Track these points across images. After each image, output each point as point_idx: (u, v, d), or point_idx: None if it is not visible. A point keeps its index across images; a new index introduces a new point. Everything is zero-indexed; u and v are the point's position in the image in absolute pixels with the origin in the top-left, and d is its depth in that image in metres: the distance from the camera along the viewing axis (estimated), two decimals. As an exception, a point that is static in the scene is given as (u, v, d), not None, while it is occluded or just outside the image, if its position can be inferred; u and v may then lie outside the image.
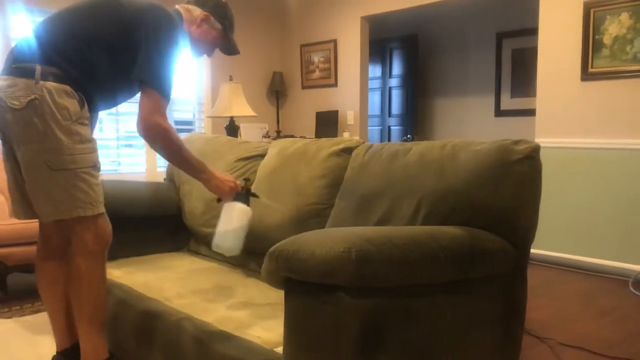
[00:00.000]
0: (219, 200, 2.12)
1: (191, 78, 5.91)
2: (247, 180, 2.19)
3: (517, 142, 1.67)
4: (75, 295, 1.93)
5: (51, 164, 1.77)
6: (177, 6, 2.13)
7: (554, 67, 4.22)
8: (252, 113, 4.86)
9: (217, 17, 2.17)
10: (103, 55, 1.87)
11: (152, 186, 2.86)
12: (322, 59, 6.14)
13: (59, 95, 1.78)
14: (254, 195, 2.18)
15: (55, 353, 2.09)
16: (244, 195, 2.12)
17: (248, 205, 2.11)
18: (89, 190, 1.83)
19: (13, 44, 1.92)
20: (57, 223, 1.92)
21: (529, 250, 1.71)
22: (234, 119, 4.85)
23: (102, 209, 1.89)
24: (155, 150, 1.94)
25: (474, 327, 1.56)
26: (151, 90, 1.86)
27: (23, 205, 1.95)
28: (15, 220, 3.27)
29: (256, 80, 6.36)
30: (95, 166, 1.87)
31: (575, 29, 4.08)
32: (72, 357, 2.04)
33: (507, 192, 1.61)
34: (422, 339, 1.41)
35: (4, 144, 1.91)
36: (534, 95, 4.42)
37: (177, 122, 5.87)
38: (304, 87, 6.39)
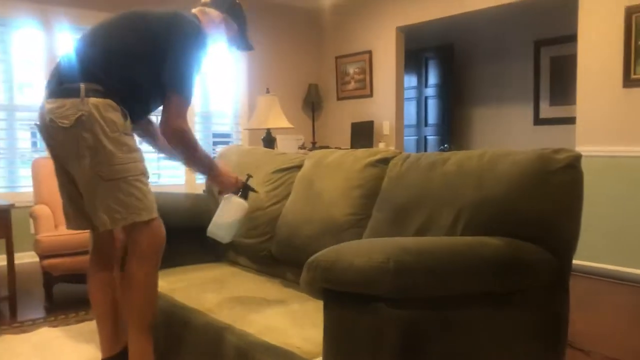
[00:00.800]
0: (220, 192, 2.24)
1: (228, 91, 6.00)
2: (249, 176, 2.29)
3: (557, 151, 1.64)
4: (127, 298, 1.99)
5: (104, 175, 1.87)
6: (193, 10, 2.21)
7: (595, 74, 4.13)
8: (289, 125, 4.90)
9: (233, 17, 2.27)
10: (137, 66, 1.97)
11: (191, 197, 2.91)
12: (357, 70, 6.16)
13: (105, 109, 1.87)
14: (253, 190, 2.27)
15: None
16: (244, 190, 2.23)
17: (246, 199, 2.21)
18: (142, 197, 1.93)
19: (55, 64, 2.01)
20: (111, 232, 2.01)
21: (571, 261, 1.68)
22: (271, 130, 4.90)
23: (156, 214, 1.98)
24: (175, 149, 2.05)
25: (515, 340, 1.54)
26: (176, 94, 1.96)
27: (77, 219, 2.06)
28: (60, 232, 3.37)
29: (292, 92, 6.42)
30: (144, 174, 1.98)
31: (616, 34, 3.99)
32: None
33: (548, 202, 1.59)
34: (462, 352, 1.39)
35: (55, 164, 2.03)
36: (574, 103, 4.34)
37: (214, 135, 5.97)
38: (339, 99, 6.42)
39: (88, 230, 2.12)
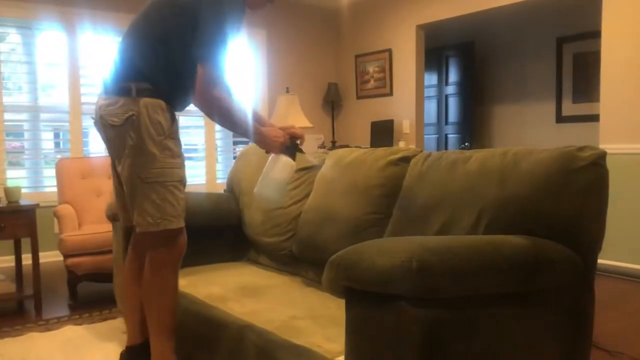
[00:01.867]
0: (267, 152, 2.18)
1: (248, 91, 6.03)
2: (296, 141, 2.20)
3: (581, 149, 1.62)
4: (147, 300, 2.02)
5: (143, 177, 1.89)
6: None
7: (619, 71, 4.06)
8: (309, 124, 4.91)
9: None
10: (177, 48, 1.94)
11: (212, 197, 2.93)
12: (377, 69, 6.14)
13: (154, 110, 1.90)
14: (300, 151, 2.21)
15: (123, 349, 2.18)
16: (291, 149, 2.16)
17: (294, 159, 2.15)
18: (176, 204, 1.94)
19: (109, 64, 2.05)
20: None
21: (596, 261, 1.66)
22: (291, 130, 4.91)
23: (183, 223, 1.99)
24: (212, 118, 2.02)
25: (539, 340, 1.52)
26: (206, 64, 1.91)
27: (121, 212, 2.14)
28: (84, 231, 3.42)
29: (312, 91, 6.42)
30: (182, 181, 1.99)
31: (641, 30, 3.93)
32: (139, 354, 2.13)
33: (572, 200, 1.57)
34: (486, 352, 1.38)
35: (111, 158, 2.07)
36: (597, 100, 4.27)
37: (235, 135, 5.99)
38: (358, 97, 6.41)
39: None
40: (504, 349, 1.43)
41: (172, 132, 1.96)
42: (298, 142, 2.19)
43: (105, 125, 1.94)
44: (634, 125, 3.99)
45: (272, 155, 2.15)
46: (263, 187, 2.12)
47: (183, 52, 1.93)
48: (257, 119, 2.16)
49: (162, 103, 1.92)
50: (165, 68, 1.95)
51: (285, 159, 2.12)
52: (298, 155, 2.19)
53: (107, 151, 2.08)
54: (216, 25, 1.90)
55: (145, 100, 1.89)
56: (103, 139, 2.03)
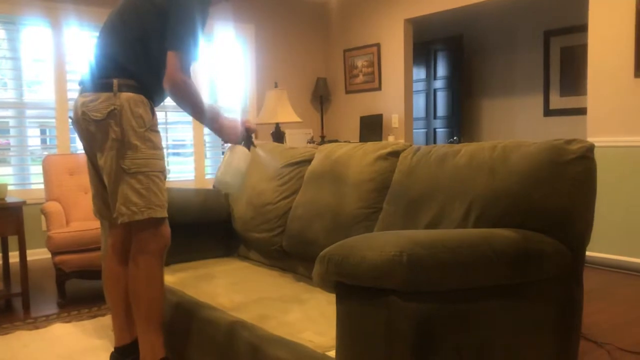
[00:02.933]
0: (225, 142, 2.26)
1: (236, 86, 6.00)
2: (251, 130, 2.30)
3: (570, 142, 1.63)
4: (134, 294, 2.02)
5: (126, 168, 1.93)
6: None
7: (606, 64, 4.09)
8: (298, 119, 4.89)
9: None
10: (155, 42, 1.99)
11: (201, 193, 2.91)
12: (365, 63, 6.13)
13: (136, 104, 1.94)
14: (252, 144, 2.30)
15: (113, 349, 2.17)
16: (247, 140, 2.27)
17: (249, 149, 2.26)
18: (159, 194, 1.98)
19: (88, 61, 2.09)
20: (129, 227, 2.03)
21: (585, 253, 1.67)
22: (280, 125, 4.90)
23: (167, 213, 2.02)
24: (179, 104, 2.04)
25: (529, 332, 1.53)
26: (177, 51, 1.96)
27: (102, 210, 2.15)
28: (71, 228, 3.39)
29: (300, 86, 6.41)
30: (163, 172, 2.02)
31: (627, 23, 3.95)
32: (129, 353, 2.12)
33: (561, 193, 1.58)
34: (477, 344, 1.39)
35: (88, 154, 2.09)
36: (585, 93, 4.30)
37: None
38: (347, 92, 6.40)
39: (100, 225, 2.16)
40: (494, 341, 1.43)
41: (153, 125, 2.00)
42: (252, 135, 2.29)
43: (87, 120, 1.96)
44: (620, 118, 4.03)
45: (229, 146, 2.28)
46: (224, 175, 2.25)
47: (161, 45, 1.97)
48: (215, 113, 2.20)
49: (142, 98, 1.97)
50: (146, 63, 1.99)
51: (241, 149, 2.25)
52: (252, 147, 2.31)
53: (84, 148, 2.10)
54: (184, 13, 1.97)
55: (126, 95, 1.93)
56: (82, 136, 2.05)
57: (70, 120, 2.11)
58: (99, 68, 2.00)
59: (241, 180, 2.30)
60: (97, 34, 2.12)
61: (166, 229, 2.03)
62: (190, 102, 2.03)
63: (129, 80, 1.95)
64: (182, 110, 2.08)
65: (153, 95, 2.04)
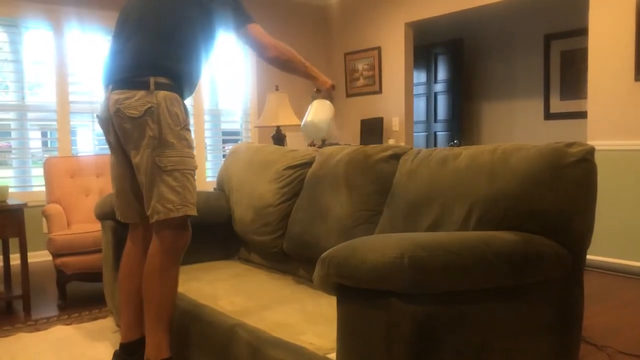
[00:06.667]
0: (317, 91, 2.41)
1: (237, 89, 6.01)
2: (333, 85, 2.44)
3: (570, 145, 1.63)
4: (148, 291, 2.02)
5: (162, 165, 1.94)
6: None
7: (606, 68, 4.10)
8: (299, 122, 4.89)
9: None
10: (189, 34, 2.04)
11: (202, 195, 2.91)
12: (366, 67, 6.14)
13: (172, 103, 1.96)
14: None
15: (117, 347, 2.17)
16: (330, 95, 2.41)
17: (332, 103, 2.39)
18: (193, 192, 2.02)
19: (108, 57, 2.09)
20: (150, 226, 2.04)
21: (585, 256, 1.67)
22: (281, 128, 4.90)
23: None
24: (285, 65, 2.23)
25: (529, 334, 1.53)
26: (248, 26, 2.10)
27: (125, 211, 2.17)
28: (73, 230, 3.40)
29: (301, 89, 6.38)
30: (195, 171, 2.06)
31: (627, 27, 3.96)
32: (135, 351, 2.12)
33: (562, 196, 1.58)
34: (477, 346, 1.39)
35: (117, 152, 2.09)
36: (585, 97, 4.30)
37: (224, 133, 5.98)
38: (348, 95, 6.41)
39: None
40: (494, 343, 1.44)
41: (187, 124, 2.03)
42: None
43: (121, 117, 1.95)
44: (621, 121, 4.03)
45: (318, 100, 2.39)
46: (314, 123, 2.34)
47: (195, 33, 2.02)
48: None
49: (177, 96, 2.00)
50: (179, 55, 2.01)
51: (327, 102, 2.37)
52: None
53: (112, 146, 2.09)
54: None
55: (163, 93, 1.95)
56: (114, 133, 2.04)
57: (97, 119, 2.11)
58: (132, 65, 1.99)
59: (327, 128, 2.36)
60: (99, 36, 2.12)
61: (189, 228, 2.06)
62: (292, 56, 2.18)
63: (164, 79, 1.96)
64: (288, 72, 2.24)
65: (185, 92, 2.06)
